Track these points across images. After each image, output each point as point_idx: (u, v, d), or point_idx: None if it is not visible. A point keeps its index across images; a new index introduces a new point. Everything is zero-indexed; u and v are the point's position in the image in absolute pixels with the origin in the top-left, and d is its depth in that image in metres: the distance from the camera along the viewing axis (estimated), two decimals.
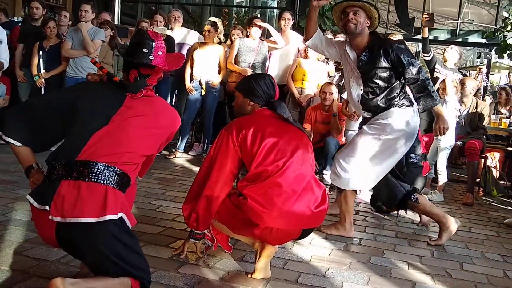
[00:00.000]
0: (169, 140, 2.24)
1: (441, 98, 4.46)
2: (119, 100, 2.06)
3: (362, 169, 3.19)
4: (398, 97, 3.17)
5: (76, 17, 5.74)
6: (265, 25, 5.67)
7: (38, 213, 1.86)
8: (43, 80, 5.43)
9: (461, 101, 5.20)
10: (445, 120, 3.28)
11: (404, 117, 3.16)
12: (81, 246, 1.84)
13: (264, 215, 2.33)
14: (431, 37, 7.66)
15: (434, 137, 4.79)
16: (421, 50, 5.59)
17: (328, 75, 5.95)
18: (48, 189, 1.86)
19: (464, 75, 6.29)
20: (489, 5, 14.13)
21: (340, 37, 5.06)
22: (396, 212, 3.67)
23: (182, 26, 6.17)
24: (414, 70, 3.08)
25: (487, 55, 10.70)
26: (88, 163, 1.88)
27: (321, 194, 2.51)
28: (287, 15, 5.80)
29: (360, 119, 4.64)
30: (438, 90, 4.67)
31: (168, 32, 5.76)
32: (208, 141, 5.81)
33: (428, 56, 5.49)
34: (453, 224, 3.25)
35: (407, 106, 3.18)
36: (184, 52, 5.81)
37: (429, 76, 3.55)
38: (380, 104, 3.18)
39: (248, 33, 5.67)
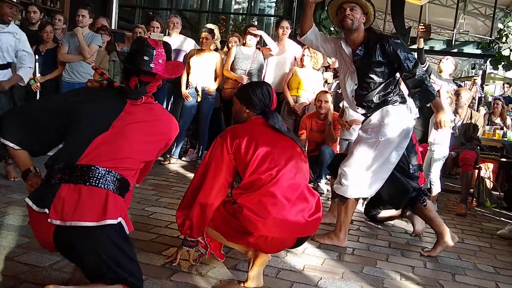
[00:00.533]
0: (167, 147, 2.25)
1: None
2: (119, 106, 2.08)
3: (366, 176, 3.19)
4: (392, 93, 3.18)
5: (73, 21, 5.73)
6: (260, 32, 5.68)
7: (36, 216, 1.85)
8: (38, 84, 5.41)
9: (455, 112, 5.23)
10: (445, 111, 3.20)
11: (398, 114, 3.17)
12: (81, 250, 1.84)
13: (259, 224, 2.33)
14: (426, 47, 7.71)
15: (429, 142, 4.81)
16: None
17: (327, 82, 5.97)
18: (47, 192, 1.86)
19: (459, 85, 6.33)
20: (484, 17, 14.29)
21: None
22: (390, 221, 3.66)
23: (179, 32, 6.19)
24: (410, 65, 3.08)
25: (482, 66, 10.77)
26: (89, 167, 1.88)
27: (315, 202, 2.52)
28: (285, 23, 5.82)
29: (355, 128, 4.66)
30: None
31: (165, 38, 5.77)
32: (203, 147, 5.80)
33: (424, 67, 5.51)
34: (451, 239, 3.24)
35: (400, 102, 3.19)
36: (181, 58, 5.83)
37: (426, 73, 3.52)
38: (374, 100, 3.18)
39: (244, 41, 5.70)
